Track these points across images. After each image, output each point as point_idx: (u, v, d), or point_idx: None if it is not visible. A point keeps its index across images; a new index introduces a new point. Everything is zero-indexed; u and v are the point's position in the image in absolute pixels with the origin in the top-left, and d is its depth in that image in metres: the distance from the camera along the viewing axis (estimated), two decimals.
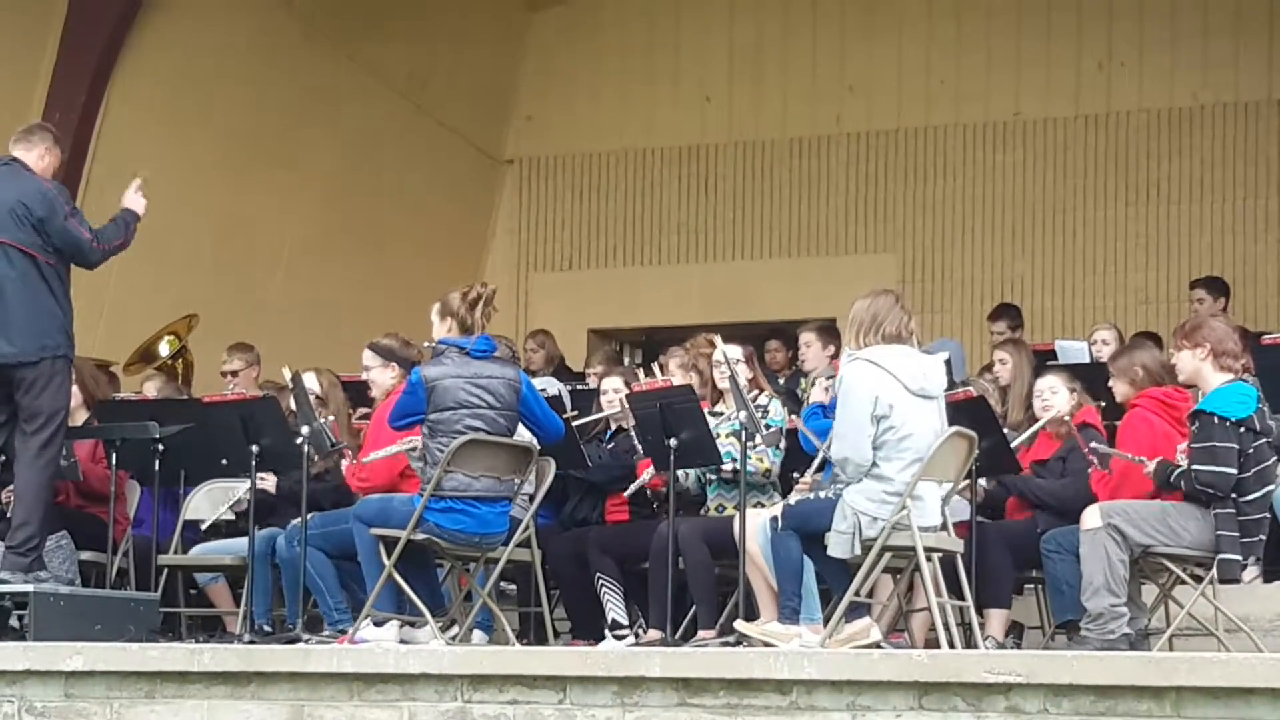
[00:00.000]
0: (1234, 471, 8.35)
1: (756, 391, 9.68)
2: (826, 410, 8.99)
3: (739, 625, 8.69)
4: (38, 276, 9.08)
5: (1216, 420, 8.38)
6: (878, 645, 8.11)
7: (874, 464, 8.23)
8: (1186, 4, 16.17)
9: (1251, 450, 8.37)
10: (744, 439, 9.24)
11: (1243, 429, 8.37)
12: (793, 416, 9.81)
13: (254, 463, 9.64)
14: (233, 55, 15.33)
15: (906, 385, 8.25)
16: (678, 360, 10.24)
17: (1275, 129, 15.90)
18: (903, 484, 8.19)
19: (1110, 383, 9.31)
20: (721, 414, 9.66)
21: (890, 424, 8.22)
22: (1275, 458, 8.49)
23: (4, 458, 9.25)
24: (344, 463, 9.81)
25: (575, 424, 10.34)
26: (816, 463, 9.19)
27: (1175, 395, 8.86)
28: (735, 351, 9.69)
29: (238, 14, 15.31)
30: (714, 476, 9.71)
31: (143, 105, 14.67)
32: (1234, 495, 8.39)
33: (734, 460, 9.42)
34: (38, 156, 9.29)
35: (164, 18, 14.72)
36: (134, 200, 9.48)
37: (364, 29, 16.30)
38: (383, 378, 9.86)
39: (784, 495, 9.46)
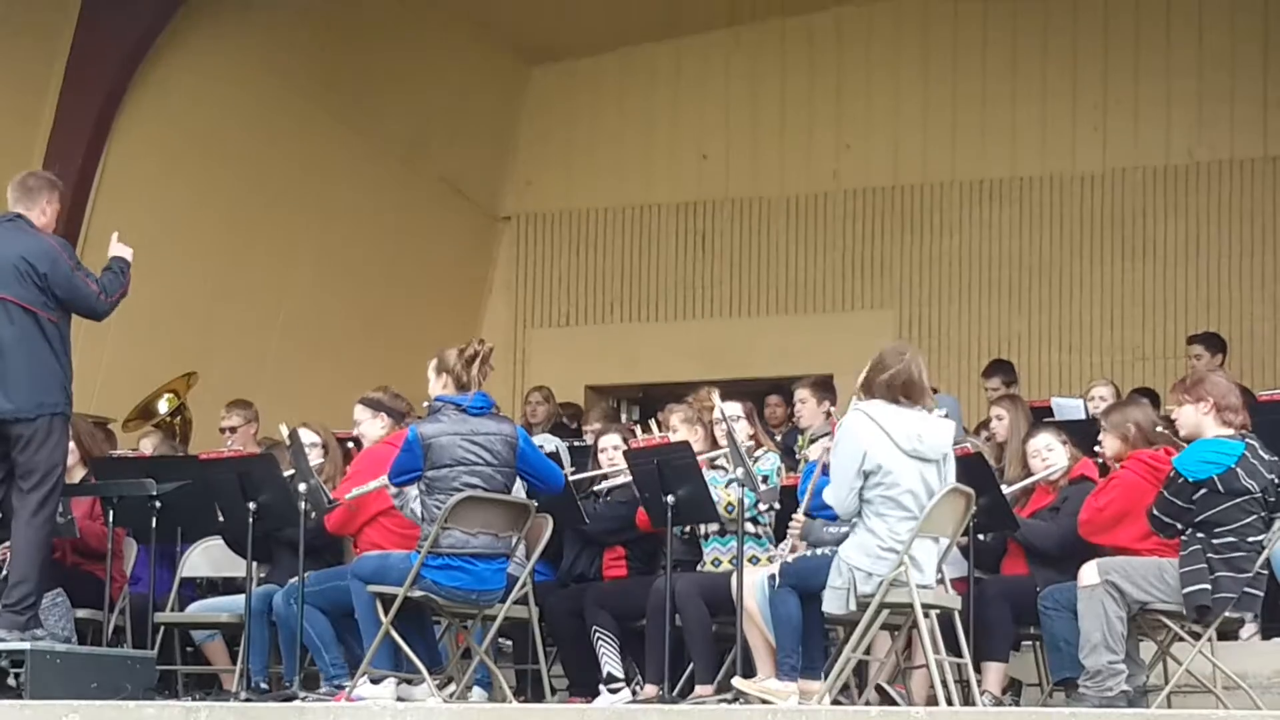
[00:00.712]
0: (1178, 526, 8.46)
1: (753, 446, 9.68)
2: (826, 469, 8.99)
3: (736, 682, 8.68)
4: (38, 333, 9.08)
5: (1173, 474, 8.43)
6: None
7: (863, 516, 8.25)
8: (1181, 62, 16.20)
9: (1221, 509, 8.38)
10: (741, 502, 9.24)
11: (1203, 490, 8.38)
12: (790, 473, 9.81)
13: (251, 520, 9.64)
14: (232, 109, 15.36)
15: (899, 444, 8.27)
16: (681, 415, 10.22)
17: (1270, 186, 15.93)
18: (893, 541, 8.21)
19: (1100, 436, 9.30)
20: (725, 468, 9.66)
21: (878, 480, 8.26)
22: (1259, 514, 8.48)
23: (0, 515, 9.24)
24: None
25: (573, 478, 10.33)
26: (804, 505, 9.18)
27: (1164, 459, 8.83)
28: (734, 408, 9.69)
29: (237, 68, 15.33)
30: (711, 531, 9.70)
31: (142, 160, 14.70)
32: (1200, 535, 8.43)
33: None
34: (39, 211, 9.29)
35: (164, 73, 14.76)
36: (121, 249, 9.47)
37: (363, 83, 16.31)
38: (372, 429, 9.92)
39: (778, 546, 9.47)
